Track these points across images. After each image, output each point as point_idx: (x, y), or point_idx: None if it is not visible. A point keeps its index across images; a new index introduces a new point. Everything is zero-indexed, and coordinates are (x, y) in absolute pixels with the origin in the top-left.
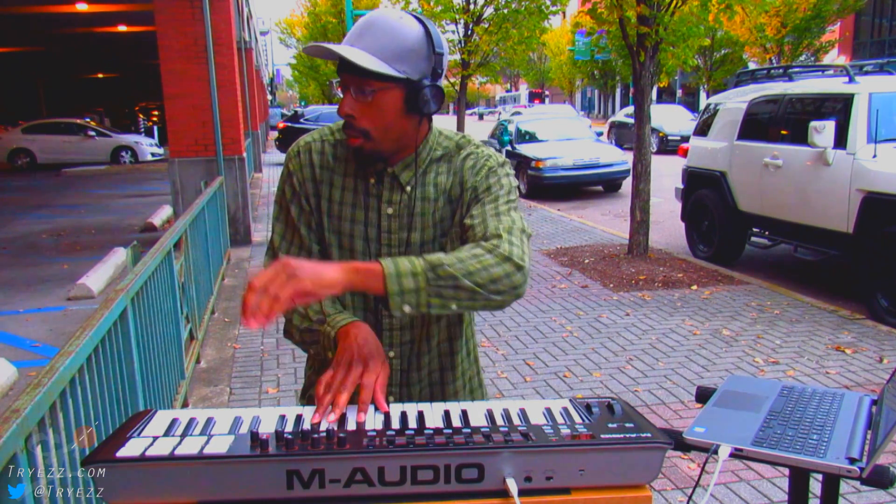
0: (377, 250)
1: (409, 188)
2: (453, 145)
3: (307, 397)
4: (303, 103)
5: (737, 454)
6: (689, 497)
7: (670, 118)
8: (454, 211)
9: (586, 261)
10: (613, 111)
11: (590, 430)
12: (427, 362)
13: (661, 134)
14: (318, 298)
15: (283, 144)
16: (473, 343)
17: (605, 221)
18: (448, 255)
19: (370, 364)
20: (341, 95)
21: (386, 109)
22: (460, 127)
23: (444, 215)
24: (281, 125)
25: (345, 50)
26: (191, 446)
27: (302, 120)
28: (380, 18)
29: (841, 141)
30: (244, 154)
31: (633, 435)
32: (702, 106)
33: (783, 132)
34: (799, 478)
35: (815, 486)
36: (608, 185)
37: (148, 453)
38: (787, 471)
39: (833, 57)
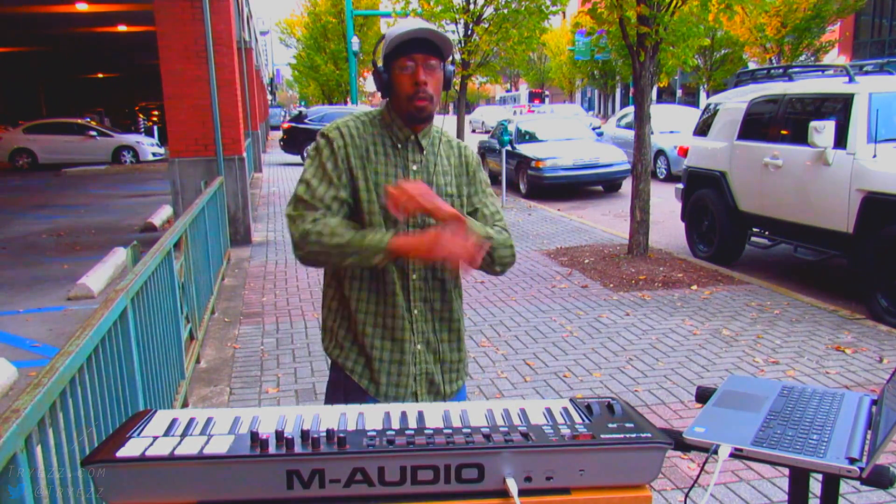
0: None
1: (425, 152)
2: (435, 129)
3: (334, 343)
4: (303, 103)
5: (737, 454)
6: (686, 495)
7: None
8: (461, 182)
9: (586, 261)
10: (613, 111)
11: (590, 430)
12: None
13: None
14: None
15: (287, 145)
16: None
17: (605, 221)
18: (494, 232)
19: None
20: (408, 70)
21: (439, 81)
22: (460, 126)
23: (453, 181)
24: (285, 125)
25: (426, 32)
26: (191, 446)
27: (306, 120)
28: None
29: (841, 141)
30: (244, 154)
31: (633, 435)
32: (702, 106)
33: (783, 132)
34: (799, 478)
35: (815, 486)
36: (608, 185)
37: (148, 453)
38: (787, 471)
39: (833, 57)
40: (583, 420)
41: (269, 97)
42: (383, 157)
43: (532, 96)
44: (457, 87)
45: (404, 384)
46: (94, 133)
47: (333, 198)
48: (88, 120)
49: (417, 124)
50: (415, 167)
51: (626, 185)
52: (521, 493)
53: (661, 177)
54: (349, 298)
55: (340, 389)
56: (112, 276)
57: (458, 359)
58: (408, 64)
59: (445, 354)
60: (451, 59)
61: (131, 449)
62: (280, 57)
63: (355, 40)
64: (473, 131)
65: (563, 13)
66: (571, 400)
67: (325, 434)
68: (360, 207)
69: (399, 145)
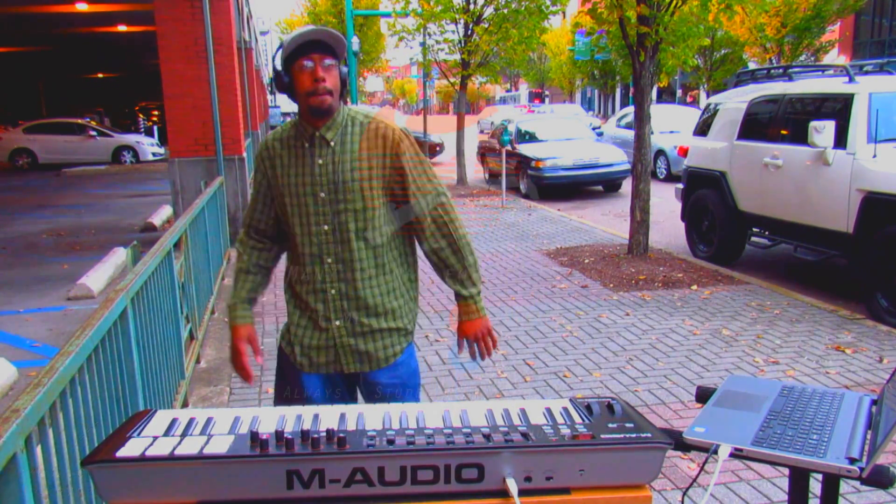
0: (312, 190)
1: (332, 144)
2: (362, 116)
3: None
4: None
5: (737, 454)
6: (684, 494)
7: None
8: (372, 165)
9: (586, 261)
10: (613, 111)
11: (590, 430)
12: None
13: None
14: None
15: None
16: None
17: (605, 221)
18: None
19: None
20: (308, 67)
21: (337, 79)
22: (460, 126)
23: (364, 165)
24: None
25: (321, 33)
26: (191, 446)
27: None
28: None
29: (841, 141)
30: (244, 154)
31: (633, 435)
32: (702, 105)
33: (783, 132)
34: (799, 478)
35: (815, 486)
36: (608, 185)
37: (148, 453)
38: (787, 471)
39: (833, 57)
40: (583, 420)
41: (270, 97)
42: (294, 158)
43: (532, 96)
44: (457, 88)
45: (318, 356)
46: (93, 133)
47: (254, 219)
48: (88, 120)
49: (320, 118)
50: (320, 161)
51: (626, 185)
52: (521, 493)
53: (661, 177)
54: (286, 276)
55: (279, 362)
56: (112, 276)
57: (392, 327)
58: (306, 63)
59: (373, 327)
60: (344, 59)
61: (131, 449)
62: None
63: (355, 40)
64: (482, 131)
65: (563, 13)
66: (571, 400)
67: (325, 434)
68: (282, 212)
69: (307, 144)
